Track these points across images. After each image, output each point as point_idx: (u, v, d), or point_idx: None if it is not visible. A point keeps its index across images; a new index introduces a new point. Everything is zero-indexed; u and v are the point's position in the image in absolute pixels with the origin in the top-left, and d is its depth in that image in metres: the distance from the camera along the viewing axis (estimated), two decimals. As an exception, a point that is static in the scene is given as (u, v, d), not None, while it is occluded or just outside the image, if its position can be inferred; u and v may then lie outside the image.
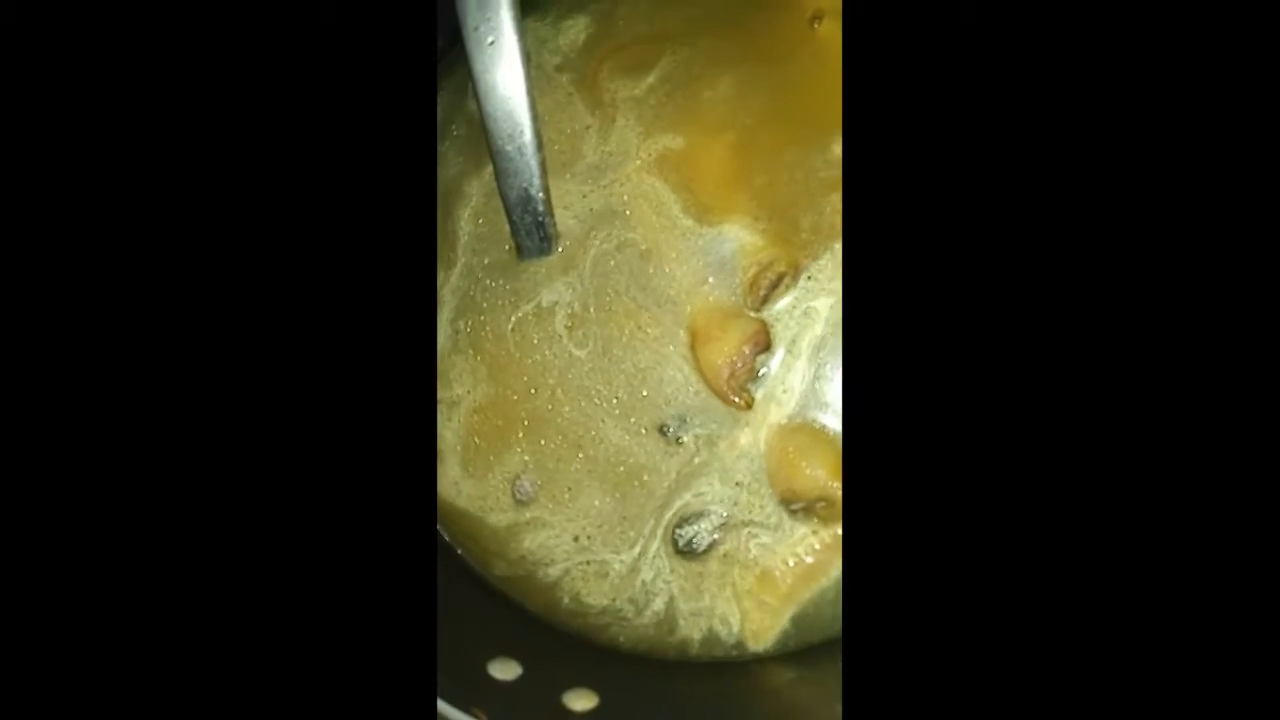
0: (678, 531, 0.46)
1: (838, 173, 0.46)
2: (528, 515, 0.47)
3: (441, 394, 0.48)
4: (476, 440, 0.47)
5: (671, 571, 0.46)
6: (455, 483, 0.48)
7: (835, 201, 0.46)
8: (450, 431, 0.48)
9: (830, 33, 0.47)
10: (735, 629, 0.46)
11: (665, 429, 0.46)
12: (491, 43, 0.41)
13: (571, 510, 0.47)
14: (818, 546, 0.45)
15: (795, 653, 0.46)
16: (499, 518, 0.47)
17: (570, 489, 0.47)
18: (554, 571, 0.47)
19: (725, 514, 0.45)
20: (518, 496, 0.47)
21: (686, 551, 0.45)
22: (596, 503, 0.46)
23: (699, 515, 0.46)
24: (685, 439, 0.46)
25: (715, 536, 0.45)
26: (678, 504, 0.46)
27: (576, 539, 0.47)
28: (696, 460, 0.46)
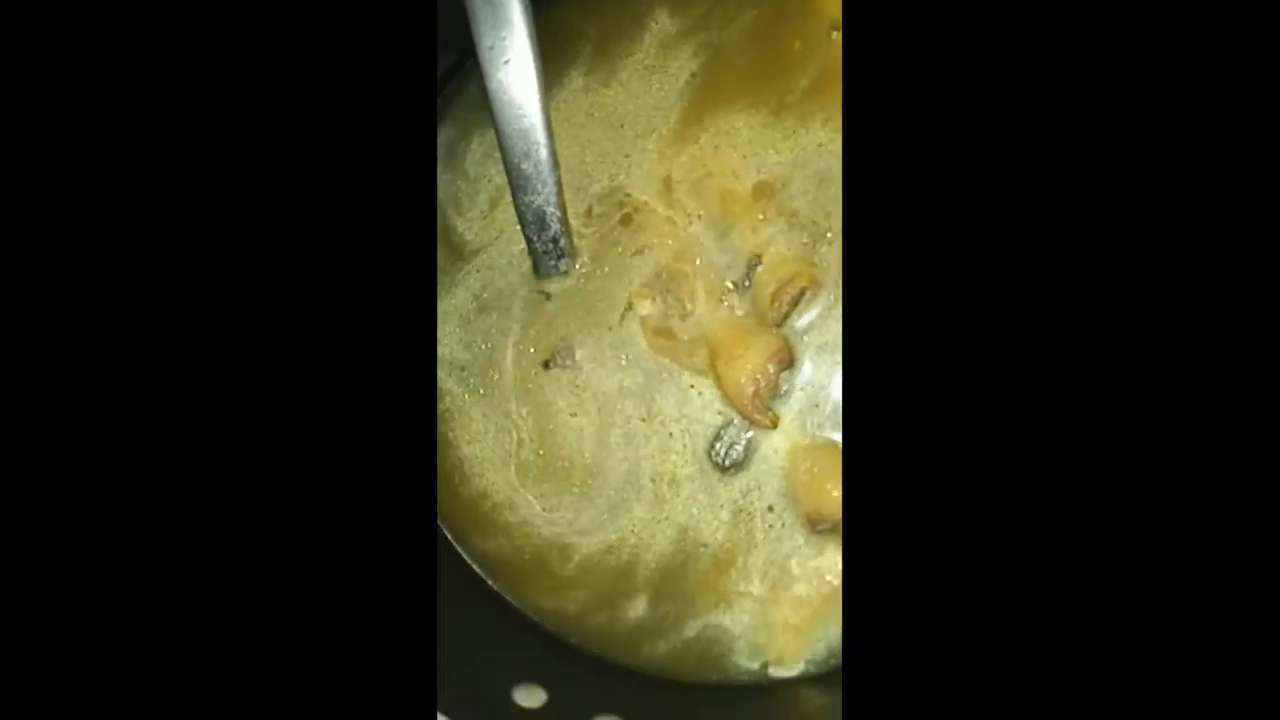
0: (713, 452, 0.45)
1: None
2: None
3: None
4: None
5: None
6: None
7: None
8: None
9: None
10: (762, 652, 0.46)
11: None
12: (507, 61, 0.41)
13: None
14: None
15: (823, 676, 0.45)
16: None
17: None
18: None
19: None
20: (560, 363, 0.46)
21: (731, 467, 0.45)
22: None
23: (723, 428, 0.45)
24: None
25: (749, 435, 0.45)
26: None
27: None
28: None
